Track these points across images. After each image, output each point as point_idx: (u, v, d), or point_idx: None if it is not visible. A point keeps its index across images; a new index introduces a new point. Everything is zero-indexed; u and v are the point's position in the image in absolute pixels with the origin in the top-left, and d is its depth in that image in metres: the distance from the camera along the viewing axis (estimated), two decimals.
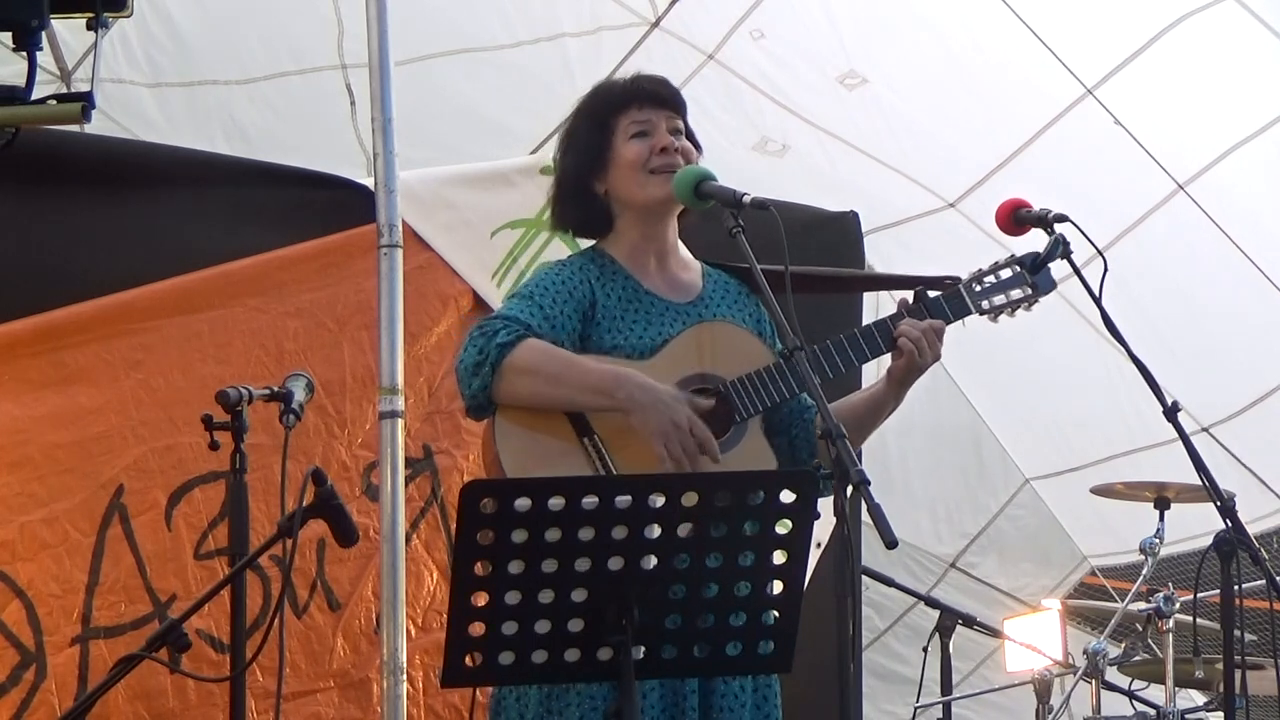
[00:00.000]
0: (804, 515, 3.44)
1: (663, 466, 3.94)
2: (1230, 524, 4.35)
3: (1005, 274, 4.29)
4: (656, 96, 4.23)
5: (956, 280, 4.27)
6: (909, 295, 4.24)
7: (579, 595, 3.37)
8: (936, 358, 4.15)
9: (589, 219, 4.26)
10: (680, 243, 4.31)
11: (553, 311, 4.06)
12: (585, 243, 4.38)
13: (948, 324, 4.20)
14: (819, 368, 4.05)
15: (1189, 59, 7.44)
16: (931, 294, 4.22)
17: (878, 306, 6.69)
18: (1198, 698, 7.41)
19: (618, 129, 4.19)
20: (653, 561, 3.39)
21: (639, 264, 4.21)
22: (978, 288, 4.26)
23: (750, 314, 4.29)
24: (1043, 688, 6.41)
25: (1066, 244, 4.24)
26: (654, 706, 3.90)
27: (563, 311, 4.08)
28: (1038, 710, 6.42)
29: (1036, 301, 4.31)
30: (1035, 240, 4.31)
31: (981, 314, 4.27)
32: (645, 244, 4.22)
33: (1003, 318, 4.30)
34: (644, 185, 4.16)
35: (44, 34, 3.57)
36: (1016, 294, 4.29)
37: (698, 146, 4.27)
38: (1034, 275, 4.28)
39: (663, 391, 3.99)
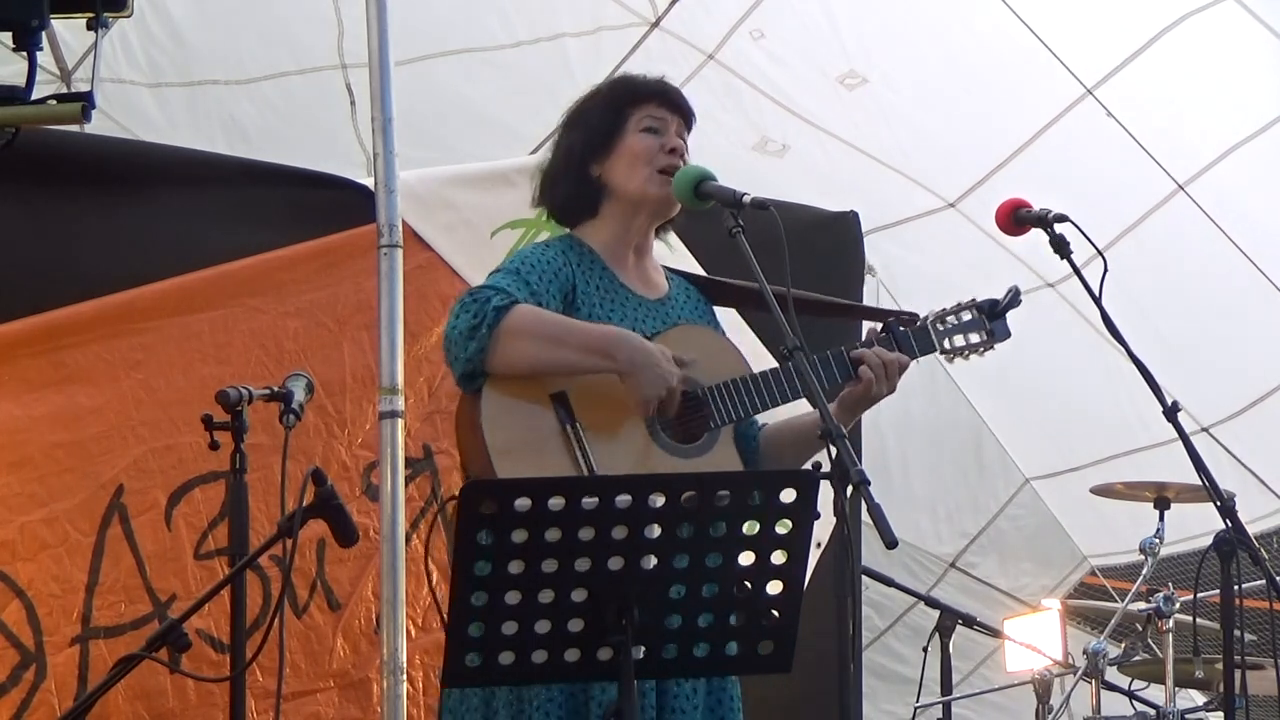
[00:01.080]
0: (804, 515, 3.44)
1: (634, 442, 3.96)
2: (1230, 524, 4.35)
3: (965, 316, 4.31)
4: (675, 102, 4.27)
5: (915, 316, 4.27)
6: (877, 326, 4.26)
7: (579, 595, 3.37)
8: (892, 390, 4.17)
9: (575, 200, 4.25)
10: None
11: (538, 288, 4.06)
12: None
13: (911, 358, 4.21)
14: (782, 390, 4.06)
15: (1189, 59, 7.43)
16: (900, 328, 4.23)
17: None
18: (1198, 698, 7.40)
19: (631, 119, 4.22)
20: (653, 561, 3.39)
21: (616, 257, 4.22)
22: (941, 326, 4.27)
23: (708, 321, 4.34)
24: (1043, 688, 6.41)
25: (1066, 246, 4.24)
26: (609, 704, 3.87)
27: (547, 290, 4.07)
28: (1038, 710, 6.42)
29: (991, 348, 4.32)
30: (1035, 240, 4.30)
31: (943, 353, 4.27)
32: (626, 237, 4.23)
33: (958, 360, 4.30)
34: (644, 180, 4.17)
35: (44, 34, 3.57)
36: (974, 338, 4.31)
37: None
38: (991, 322, 4.29)
39: (657, 354, 4.00)
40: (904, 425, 8.22)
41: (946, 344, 4.27)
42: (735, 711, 4.09)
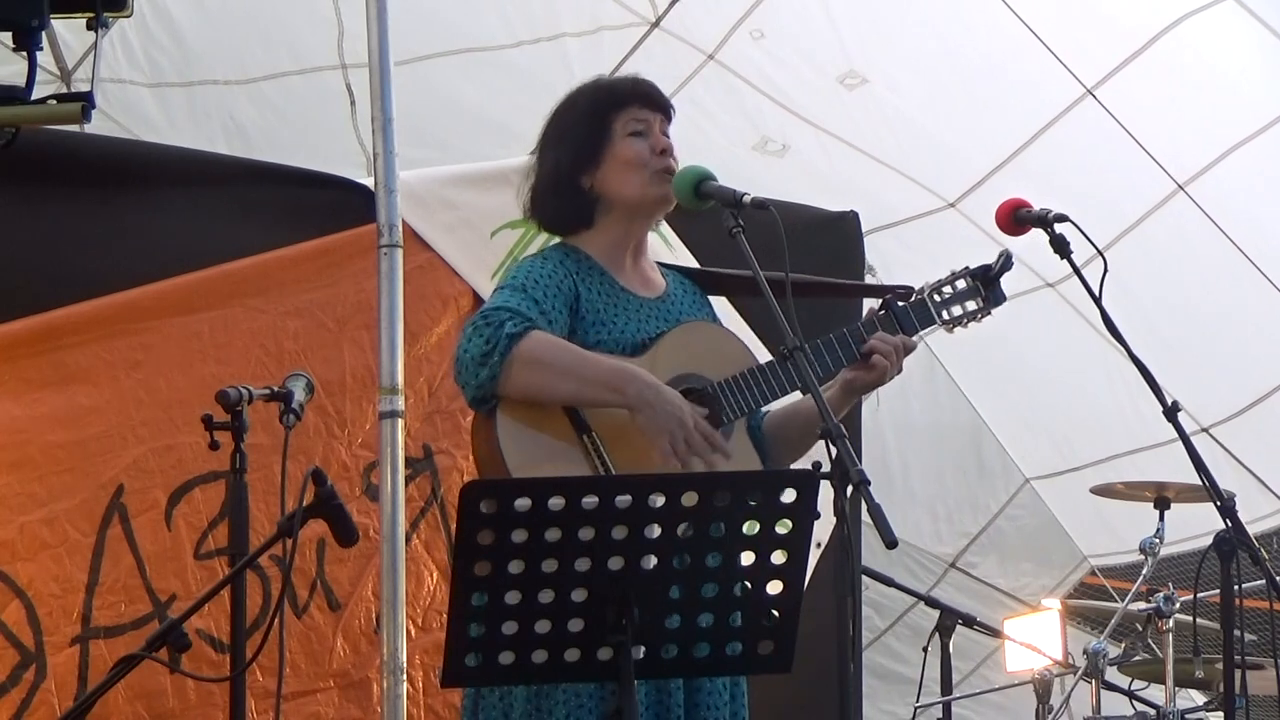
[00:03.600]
0: (804, 515, 3.44)
1: (667, 464, 3.95)
2: (1230, 524, 4.35)
3: (960, 285, 4.32)
4: (654, 100, 4.25)
5: (910, 290, 4.28)
6: (876, 304, 4.27)
7: (579, 595, 3.37)
8: (899, 372, 4.19)
9: (570, 214, 4.23)
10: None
11: (546, 306, 4.06)
12: None
13: (913, 334, 4.22)
14: (790, 378, 4.06)
15: (1189, 59, 7.43)
16: (899, 304, 4.23)
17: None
18: (1198, 698, 7.41)
19: (616, 125, 4.19)
20: (653, 561, 3.39)
21: (615, 261, 4.20)
22: (938, 298, 4.28)
23: (707, 315, 4.33)
24: (1043, 688, 6.41)
25: (1066, 246, 4.24)
26: (640, 704, 3.87)
27: (554, 306, 4.07)
28: (1038, 710, 6.42)
29: (988, 314, 4.32)
30: (1035, 240, 4.31)
31: (942, 324, 4.28)
32: (625, 241, 4.22)
33: (958, 329, 4.31)
34: (644, 185, 4.16)
35: (44, 34, 3.57)
36: (971, 306, 4.31)
37: None
38: (986, 289, 4.29)
39: (668, 391, 4.00)
40: (904, 425, 8.23)
41: (945, 314, 4.28)
42: (744, 708, 4.10)
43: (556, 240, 4.29)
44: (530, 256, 4.31)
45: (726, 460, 4.03)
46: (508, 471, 3.92)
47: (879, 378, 4.15)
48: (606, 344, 4.08)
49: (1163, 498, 6.51)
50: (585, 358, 4.02)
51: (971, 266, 4.32)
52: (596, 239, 4.21)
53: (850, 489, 3.57)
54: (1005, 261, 4.29)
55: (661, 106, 4.25)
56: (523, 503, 3.30)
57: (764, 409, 4.26)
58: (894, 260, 7.57)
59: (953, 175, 7.82)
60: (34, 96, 3.62)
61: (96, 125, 5.05)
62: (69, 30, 6.18)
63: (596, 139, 4.19)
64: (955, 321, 4.30)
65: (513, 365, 3.94)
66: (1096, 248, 4.27)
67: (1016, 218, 4.32)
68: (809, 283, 4.79)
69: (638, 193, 4.17)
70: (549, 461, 3.95)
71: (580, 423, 3.99)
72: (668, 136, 4.23)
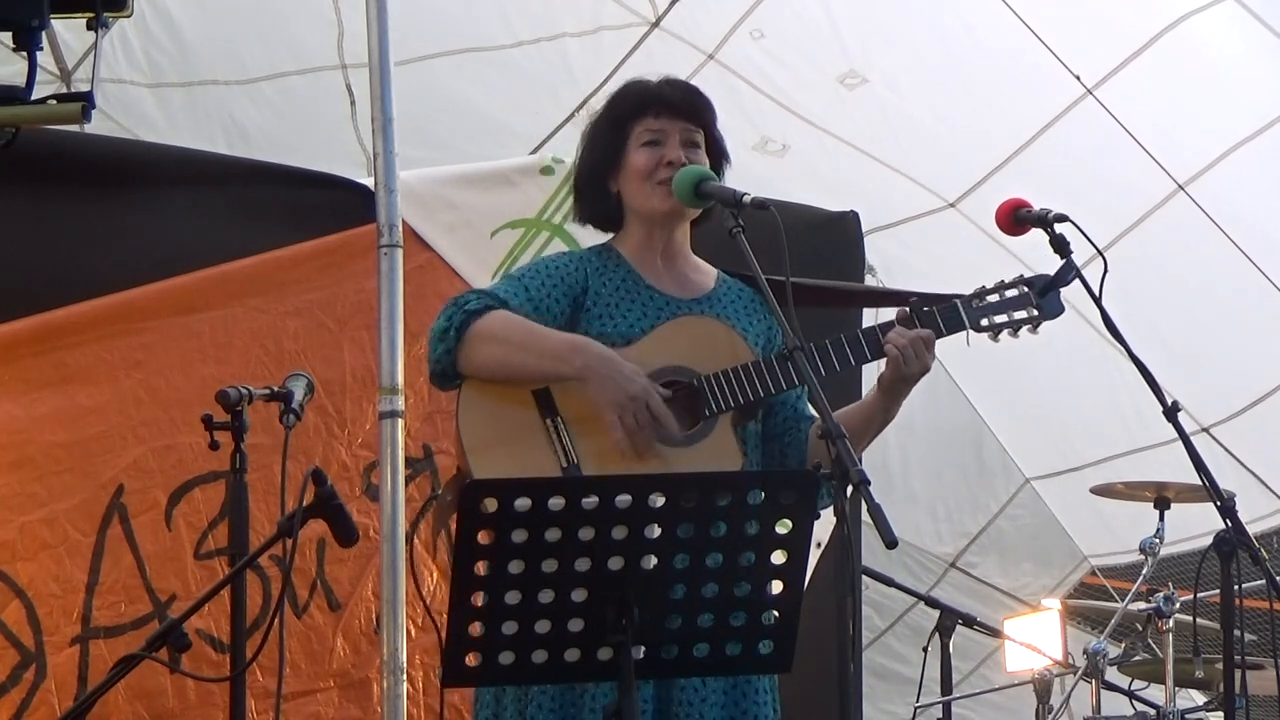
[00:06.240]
0: (804, 515, 3.43)
1: (614, 437, 3.94)
2: (1230, 524, 4.35)
3: (1010, 293, 4.21)
4: (674, 106, 4.22)
5: (958, 298, 4.23)
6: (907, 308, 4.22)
7: (579, 595, 3.37)
8: (925, 368, 4.10)
9: (603, 214, 4.28)
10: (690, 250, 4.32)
11: (538, 294, 4.08)
12: (588, 242, 4.39)
13: (938, 337, 4.15)
14: (788, 376, 4.03)
15: (1189, 59, 7.44)
16: (925, 309, 4.18)
17: (876, 315, 6.69)
18: (1198, 698, 7.41)
19: (632, 134, 4.20)
20: (653, 561, 3.39)
21: (645, 262, 4.21)
22: (977, 304, 4.18)
23: (760, 320, 4.26)
24: (1043, 688, 6.41)
25: (1066, 246, 4.22)
26: (606, 695, 3.86)
27: (550, 295, 4.09)
28: (1038, 710, 6.42)
29: (1040, 325, 4.22)
30: (1035, 240, 4.30)
31: (980, 331, 4.20)
32: (652, 244, 4.23)
33: (1004, 336, 4.23)
34: (648, 195, 4.17)
35: (44, 34, 3.58)
36: (1020, 315, 4.19)
37: (725, 156, 4.29)
38: (1041, 298, 4.22)
39: (622, 364, 3.99)
40: (904, 425, 8.18)
41: (985, 321, 4.17)
42: (764, 705, 4.07)
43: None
44: (557, 253, 4.33)
45: (675, 442, 3.98)
46: (464, 451, 3.94)
47: (895, 369, 4.08)
48: (608, 334, 4.07)
49: (1163, 498, 6.51)
50: (537, 331, 4.03)
51: (1027, 275, 4.22)
52: (627, 240, 4.25)
53: (850, 489, 3.56)
54: (1066, 271, 4.18)
55: (682, 113, 4.22)
56: (523, 503, 3.30)
57: (811, 412, 4.24)
58: (894, 260, 7.57)
59: (953, 175, 7.82)
60: (34, 96, 3.62)
61: (96, 125, 5.05)
62: (69, 30, 6.18)
63: (615, 147, 4.22)
64: (998, 329, 4.17)
65: (468, 341, 3.98)
66: (1096, 248, 4.26)
67: (1016, 218, 4.31)
68: (862, 291, 4.72)
69: (644, 203, 4.19)
70: (506, 443, 3.96)
71: (547, 406, 3.99)
72: (694, 145, 4.20)
